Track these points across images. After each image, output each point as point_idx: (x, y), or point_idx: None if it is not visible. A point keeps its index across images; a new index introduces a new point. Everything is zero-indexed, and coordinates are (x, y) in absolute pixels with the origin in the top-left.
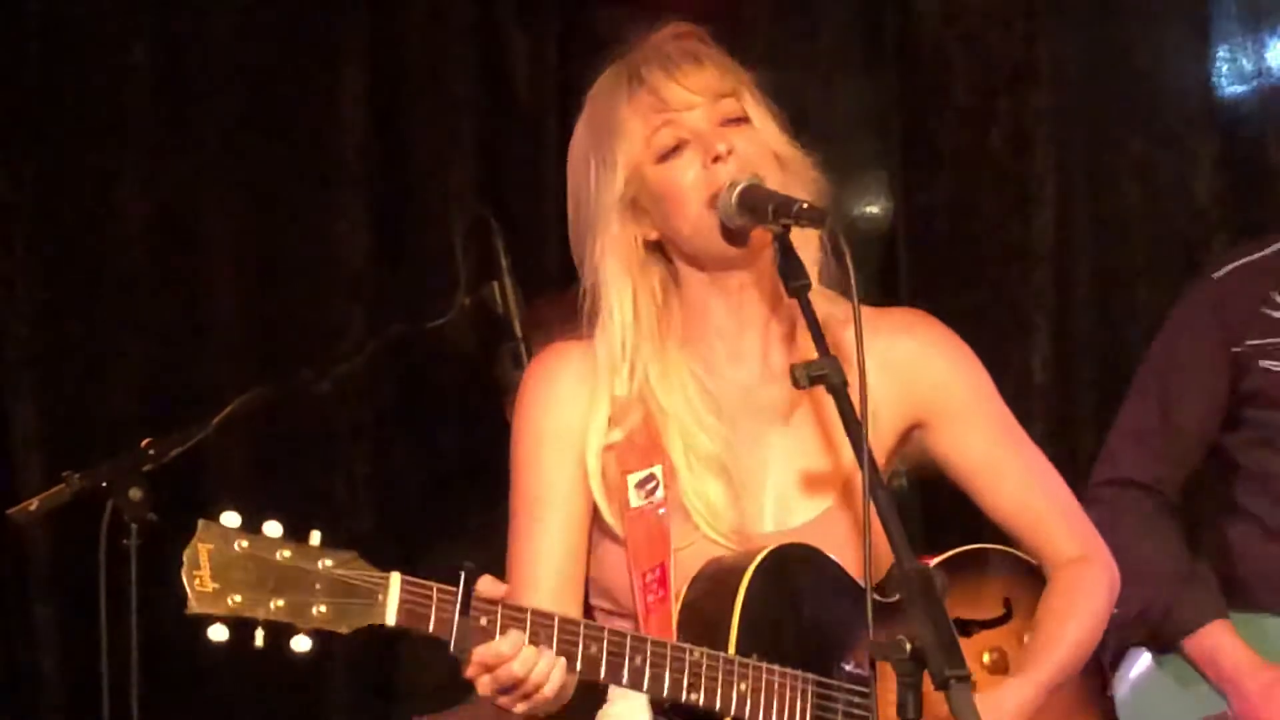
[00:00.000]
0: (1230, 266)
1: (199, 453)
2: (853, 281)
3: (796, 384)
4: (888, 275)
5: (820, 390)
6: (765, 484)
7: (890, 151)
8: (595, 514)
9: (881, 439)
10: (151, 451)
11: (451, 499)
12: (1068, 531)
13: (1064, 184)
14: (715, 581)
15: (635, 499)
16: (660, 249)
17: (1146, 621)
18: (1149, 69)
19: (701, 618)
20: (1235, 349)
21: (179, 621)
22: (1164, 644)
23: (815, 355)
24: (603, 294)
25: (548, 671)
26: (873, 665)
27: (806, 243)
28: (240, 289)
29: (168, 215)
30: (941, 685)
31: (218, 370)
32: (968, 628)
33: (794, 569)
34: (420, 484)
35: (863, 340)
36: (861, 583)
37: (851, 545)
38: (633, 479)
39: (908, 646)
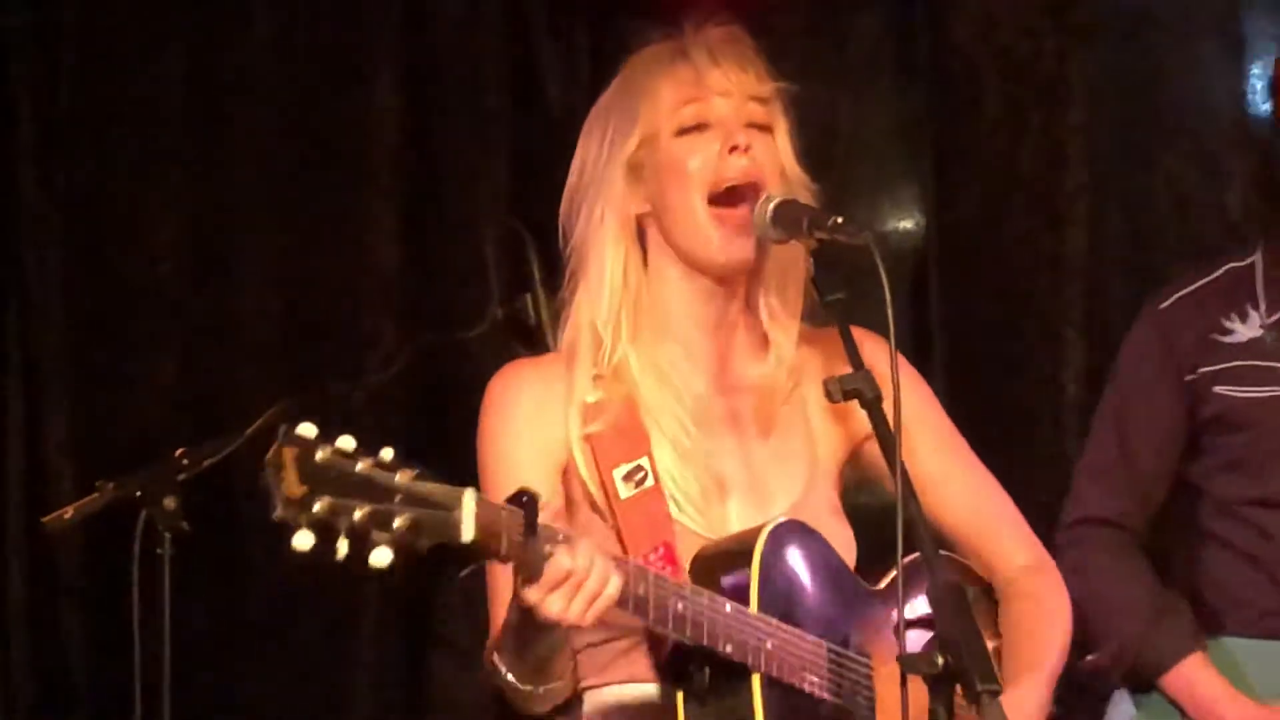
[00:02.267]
0: (1176, 295)
1: (231, 463)
2: (887, 295)
3: (830, 398)
4: (919, 289)
5: (765, 399)
6: (726, 492)
7: (921, 165)
8: (581, 525)
9: (832, 457)
10: (185, 461)
11: None
12: (1017, 540)
13: (1096, 198)
14: (721, 554)
15: (625, 490)
16: (641, 236)
17: (1122, 662)
18: (1182, 84)
19: (715, 587)
20: (1189, 377)
21: (212, 630)
22: (1142, 683)
23: (773, 359)
24: (594, 255)
25: (605, 576)
26: (903, 680)
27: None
28: (273, 300)
29: (201, 226)
30: (974, 699)
31: (250, 380)
32: None
33: (800, 543)
34: None
35: (896, 357)
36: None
37: None
38: (618, 473)
39: (939, 660)
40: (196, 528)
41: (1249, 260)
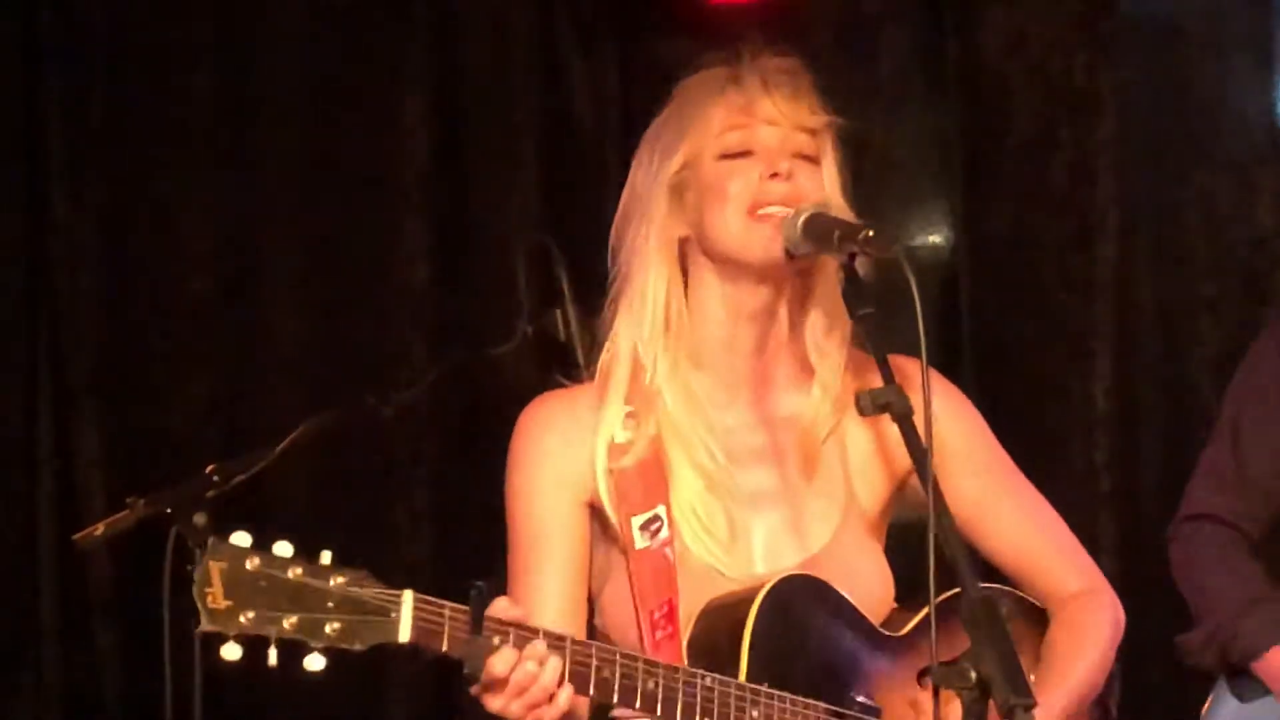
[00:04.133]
0: None
1: (262, 479)
2: (918, 310)
3: (862, 412)
4: (949, 304)
5: (804, 433)
6: (752, 528)
7: (951, 181)
8: (614, 561)
9: (879, 489)
10: (215, 478)
11: None
12: (1069, 567)
13: (1126, 214)
14: (722, 615)
15: (640, 540)
16: (683, 260)
17: (1213, 644)
18: (1212, 99)
19: (710, 650)
20: None
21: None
22: (1237, 669)
23: (817, 389)
24: (637, 276)
25: (555, 678)
26: (936, 693)
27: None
28: (303, 316)
29: (231, 242)
30: (1007, 714)
31: (280, 396)
32: None
33: (801, 600)
34: (481, 512)
35: (928, 372)
36: (870, 618)
37: (850, 584)
38: (636, 521)
39: (973, 674)
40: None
41: None
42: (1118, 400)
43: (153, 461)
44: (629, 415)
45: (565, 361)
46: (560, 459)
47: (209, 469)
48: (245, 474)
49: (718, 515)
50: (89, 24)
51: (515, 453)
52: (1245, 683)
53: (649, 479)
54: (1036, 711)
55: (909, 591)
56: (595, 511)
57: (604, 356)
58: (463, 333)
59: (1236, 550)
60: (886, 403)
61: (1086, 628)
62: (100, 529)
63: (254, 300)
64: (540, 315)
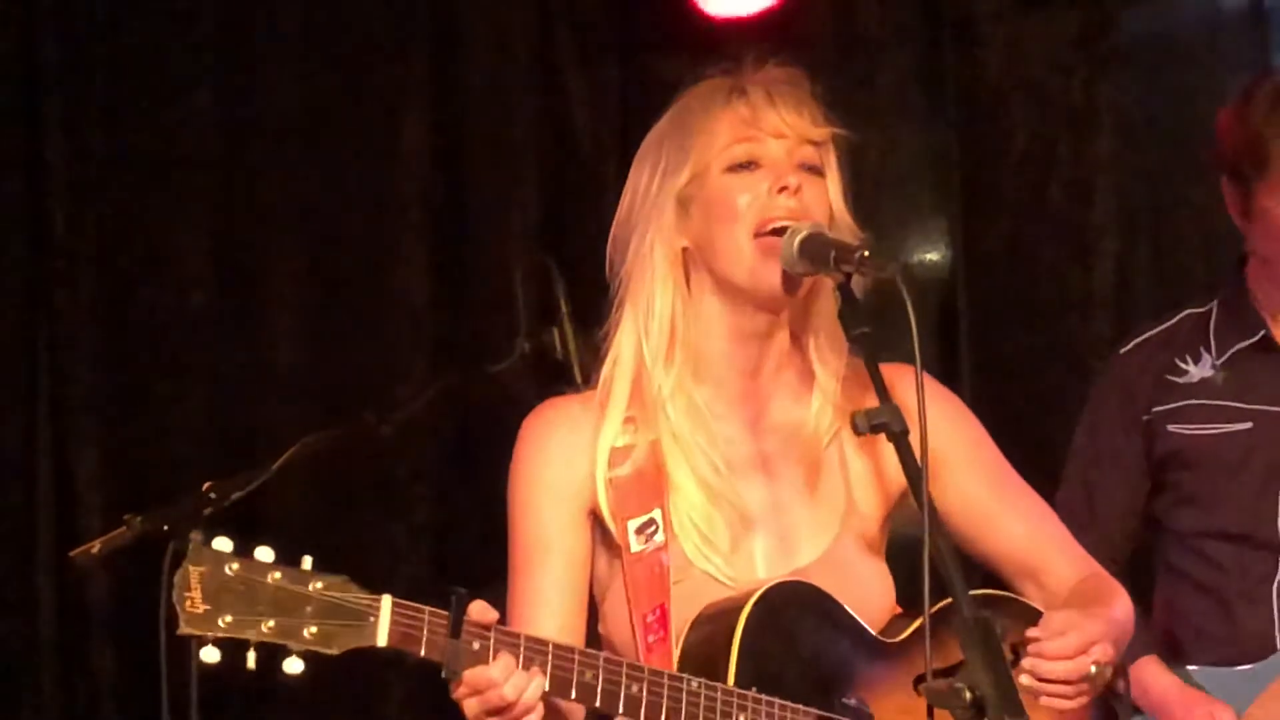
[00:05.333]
0: (1135, 341)
1: (260, 496)
2: (914, 329)
3: (856, 431)
4: (947, 322)
5: (804, 443)
6: (753, 537)
7: (950, 198)
8: (615, 567)
9: (879, 498)
10: (213, 495)
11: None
12: (1070, 561)
13: (1124, 231)
14: (713, 621)
15: (635, 544)
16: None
17: None
18: (1210, 117)
19: (700, 656)
20: (1145, 417)
21: (239, 664)
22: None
23: (818, 400)
24: (642, 287)
25: (536, 697)
26: (930, 713)
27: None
28: (301, 333)
29: (229, 260)
30: None
31: (278, 414)
32: None
33: (793, 605)
34: (480, 529)
35: (923, 388)
36: (868, 624)
37: (851, 591)
38: (632, 524)
39: (967, 694)
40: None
41: (1208, 307)
42: None
43: (150, 479)
44: (628, 420)
45: (564, 379)
46: (562, 467)
47: (206, 486)
48: (243, 491)
49: (719, 526)
50: (89, 44)
51: (518, 461)
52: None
53: (646, 483)
54: (1087, 624)
55: (908, 605)
56: (596, 519)
57: (606, 364)
58: (461, 350)
59: None
60: (881, 423)
61: (1107, 590)
62: (97, 546)
63: (252, 318)
64: (539, 333)
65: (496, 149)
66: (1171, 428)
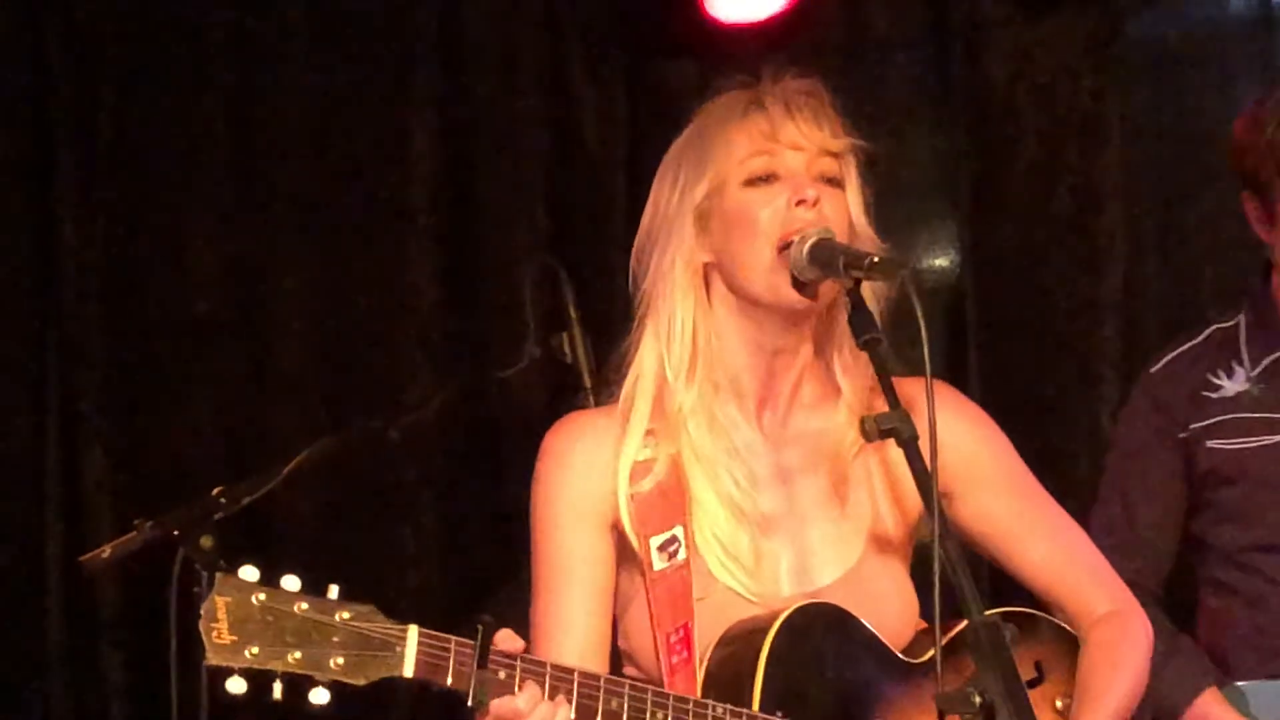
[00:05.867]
0: (1166, 359)
1: (269, 501)
2: (923, 332)
3: (867, 437)
4: (955, 328)
5: (826, 454)
6: (778, 552)
7: (958, 204)
8: (638, 582)
9: (904, 511)
10: (222, 500)
11: (519, 550)
12: (1098, 588)
13: (1133, 237)
14: (738, 642)
15: (658, 562)
16: (706, 286)
17: (1143, 710)
18: (1218, 123)
19: (725, 678)
20: (1182, 435)
21: (248, 670)
22: None
23: (843, 412)
24: (663, 303)
25: None
26: (940, 717)
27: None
28: (310, 339)
29: (238, 265)
30: None
31: (287, 419)
32: None
33: (818, 628)
34: (488, 535)
35: (933, 395)
36: (889, 644)
37: (875, 606)
38: (654, 542)
39: (977, 700)
40: (233, 566)
41: (1234, 320)
42: None
43: (159, 484)
44: (649, 433)
45: (572, 384)
46: (585, 482)
47: (216, 491)
48: (252, 496)
49: (742, 541)
50: (98, 46)
51: (540, 477)
52: None
53: (668, 500)
54: None
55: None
56: (618, 534)
57: (628, 380)
58: (470, 355)
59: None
60: (891, 428)
61: (1120, 648)
62: (107, 551)
63: (262, 322)
64: (547, 338)
65: (505, 156)
66: (1211, 444)
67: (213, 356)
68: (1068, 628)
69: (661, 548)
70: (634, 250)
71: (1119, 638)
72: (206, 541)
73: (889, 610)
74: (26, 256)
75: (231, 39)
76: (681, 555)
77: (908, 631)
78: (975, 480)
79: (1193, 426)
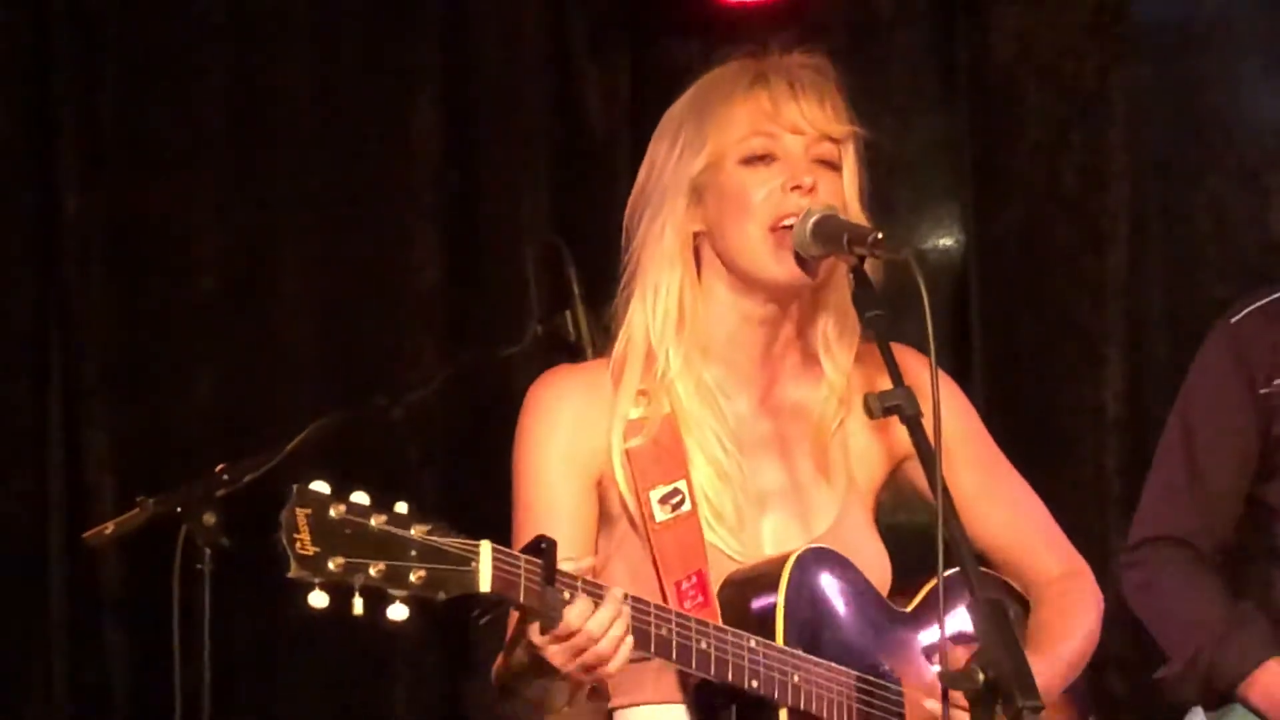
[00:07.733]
0: (1247, 310)
1: (272, 478)
2: (928, 313)
3: (870, 414)
4: (959, 308)
5: (810, 423)
6: (764, 514)
7: (962, 183)
8: (618, 538)
9: (876, 472)
10: (225, 477)
11: None
12: (1052, 552)
13: (1137, 218)
14: (747, 585)
15: (660, 514)
16: (696, 255)
17: (1196, 673)
18: (1223, 104)
19: (739, 620)
20: (1263, 390)
21: (252, 646)
22: (1221, 696)
23: (825, 389)
24: (651, 269)
25: (619, 641)
26: (944, 695)
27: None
28: (313, 317)
29: (241, 243)
30: (1015, 716)
31: (291, 396)
32: None
33: (827, 569)
34: (491, 512)
35: (936, 374)
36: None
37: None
38: (655, 495)
39: (980, 676)
40: (236, 543)
41: None
42: (1128, 405)
43: (162, 461)
44: (640, 393)
45: (576, 362)
46: (574, 434)
47: (219, 468)
48: (255, 473)
49: (727, 502)
50: (101, 28)
51: (526, 427)
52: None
53: (669, 455)
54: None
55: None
56: (602, 491)
57: (619, 339)
58: (473, 333)
59: (1201, 571)
60: (895, 405)
61: (1073, 608)
62: (110, 528)
63: (264, 300)
64: (551, 316)
65: (508, 134)
66: None
67: (215, 334)
68: (1018, 588)
69: (664, 499)
70: (628, 207)
71: (1070, 600)
72: (210, 519)
73: (866, 569)
74: (29, 234)
75: (234, 15)
76: (687, 506)
77: (883, 590)
78: (945, 449)
79: (1276, 382)
